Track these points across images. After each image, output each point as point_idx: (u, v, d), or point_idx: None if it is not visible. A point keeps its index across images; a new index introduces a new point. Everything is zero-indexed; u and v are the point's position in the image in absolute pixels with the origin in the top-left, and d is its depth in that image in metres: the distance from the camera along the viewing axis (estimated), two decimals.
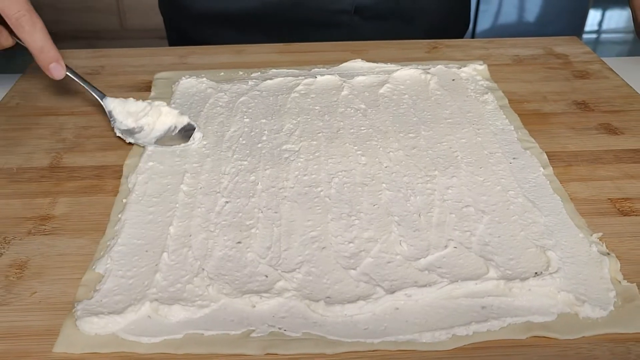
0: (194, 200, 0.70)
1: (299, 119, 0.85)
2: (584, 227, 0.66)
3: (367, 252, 0.62)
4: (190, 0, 1.18)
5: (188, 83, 0.95)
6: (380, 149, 0.78)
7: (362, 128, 0.83)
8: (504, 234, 0.65)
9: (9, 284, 0.60)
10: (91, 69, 1.03)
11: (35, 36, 0.76)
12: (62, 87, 0.96)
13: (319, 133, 0.82)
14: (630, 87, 0.95)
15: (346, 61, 0.99)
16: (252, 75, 0.97)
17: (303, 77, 0.96)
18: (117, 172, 0.76)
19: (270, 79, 0.96)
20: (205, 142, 0.80)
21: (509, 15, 3.67)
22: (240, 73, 0.99)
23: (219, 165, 0.76)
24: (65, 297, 0.58)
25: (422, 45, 1.10)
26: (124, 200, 0.70)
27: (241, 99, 0.90)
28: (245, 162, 0.76)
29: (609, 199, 0.71)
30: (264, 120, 0.85)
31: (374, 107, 0.88)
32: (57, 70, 0.79)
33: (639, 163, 0.77)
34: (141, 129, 0.85)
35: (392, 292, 0.57)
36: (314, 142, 0.80)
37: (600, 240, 0.64)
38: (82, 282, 0.59)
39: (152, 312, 0.55)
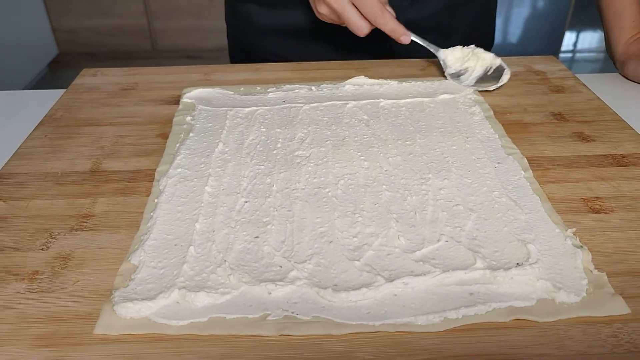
0: (217, 200, 0.70)
1: (309, 128, 0.85)
2: (559, 223, 0.65)
3: (369, 245, 0.62)
4: (254, 16, 1.20)
5: (213, 96, 0.96)
6: (381, 154, 0.78)
7: (365, 136, 0.83)
8: (490, 229, 0.65)
9: (55, 273, 0.60)
10: (127, 84, 1.03)
11: (387, 23, 0.92)
12: (100, 102, 0.97)
13: (327, 141, 0.82)
14: (601, 100, 0.95)
15: (351, 78, 0.99)
16: (269, 90, 0.97)
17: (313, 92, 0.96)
18: (149, 176, 0.76)
19: (284, 93, 0.96)
20: (227, 149, 0.80)
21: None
22: (258, 88, 0.99)
23: (239, 169, 0.76)
24: (104, 285, 0.59)
25: (417, 63, 1.10)
26: (156, 200, 0.70)
27: (259, 111, 0.90)
28: (262, 167, 0.76)
29: (582, 198, 0.71)
30: (278, 130, 0.85)
31: (375, 118, 0.88)
32: (405, 39, 0.95)
33: (608, 167, 0.77)
34: (465, 71, 0.98)
35: (391, 281, 0.57)
36: (323, 149, 0.80)
37: (574, 234, 0.64)
38: (118, 272, 0.59)
39: (180, 298, 0.56)
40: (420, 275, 0.58)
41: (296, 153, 0.79)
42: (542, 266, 0.58)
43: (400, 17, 0.93)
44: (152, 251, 0.62)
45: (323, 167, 0.76)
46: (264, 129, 0.85)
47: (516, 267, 0.58)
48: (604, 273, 0.58)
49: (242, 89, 0.98)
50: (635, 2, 1.07)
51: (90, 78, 1.06)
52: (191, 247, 0.62)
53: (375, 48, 1.14)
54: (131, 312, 0.54)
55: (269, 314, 0.54)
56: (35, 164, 0.79)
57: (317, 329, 0.53)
